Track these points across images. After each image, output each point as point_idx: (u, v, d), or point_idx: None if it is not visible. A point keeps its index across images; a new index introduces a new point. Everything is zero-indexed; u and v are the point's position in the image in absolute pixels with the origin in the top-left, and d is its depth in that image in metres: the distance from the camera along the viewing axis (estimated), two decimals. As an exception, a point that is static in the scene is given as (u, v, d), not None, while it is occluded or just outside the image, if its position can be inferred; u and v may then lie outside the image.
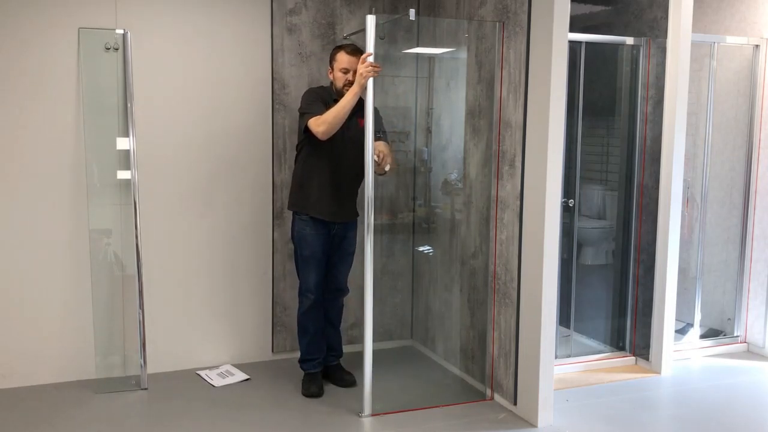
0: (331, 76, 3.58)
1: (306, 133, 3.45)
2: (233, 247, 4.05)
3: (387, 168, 3.43)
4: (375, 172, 3.37)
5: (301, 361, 3.73)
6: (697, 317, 4.53)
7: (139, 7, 3.73)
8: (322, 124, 3.34)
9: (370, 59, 3.24)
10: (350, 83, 3.44)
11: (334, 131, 3.37)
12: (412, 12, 3.38)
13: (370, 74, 3.23)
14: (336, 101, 3.44)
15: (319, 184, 3.54)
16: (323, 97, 3.51)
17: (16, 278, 3.67)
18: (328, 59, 3.64)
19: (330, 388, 3.74)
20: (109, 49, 3.68)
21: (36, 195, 3.66)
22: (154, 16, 3.77)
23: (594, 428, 3.33)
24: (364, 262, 3.36)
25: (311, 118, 3.39)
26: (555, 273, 3.27)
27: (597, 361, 4.18)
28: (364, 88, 3.27)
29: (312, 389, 3.62)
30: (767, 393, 3.85)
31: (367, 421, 3.37)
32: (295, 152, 3.71)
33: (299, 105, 3.58)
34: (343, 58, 3.50)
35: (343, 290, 3.80)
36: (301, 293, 3.66)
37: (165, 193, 3.89)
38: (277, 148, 4.08)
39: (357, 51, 3.47)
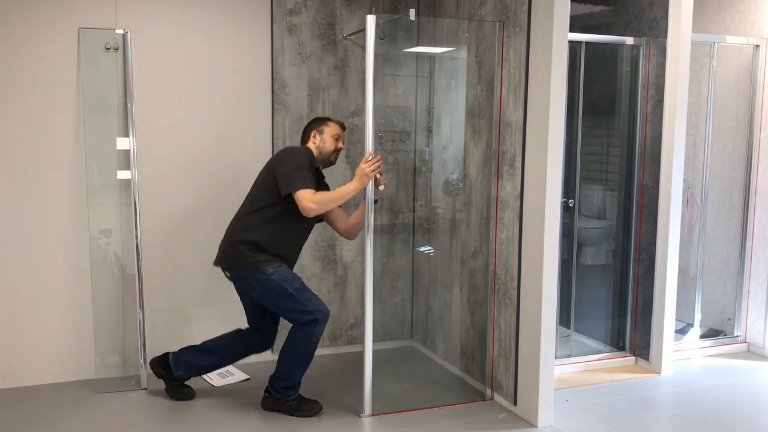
0: (316, 140, 3.42)
1: (287, 197, 3.25)
2: (233, 247, 4.05)
3: (381, 187, 3.40)
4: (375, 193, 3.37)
5: (293, 387, 3.42)
6: (697, 317, 4.53)
7: (139, 7, 3.73)
8: (318, 203, 3.21)
9: (371, 157, 3.25)
10: (338, 151, 3.47)
11: (321, 214, 3.31)
12: (412, 12, 3.39)
13: (374, 172, 3.25)
14: (317, 170, 3.41)
15: (296, 240, 3.44)
16: (313, 164, 3.36)
17: (17, 278, 3.67)
18: (310, 128, 3.47)
19: (330, 388, 3.74)
20: (109, 49, 3.68)
21: (36, 195, 3.66)
22: (154, 16, 3.77)
23: (594, 428, 3.33)
24: (365, 262, 3.36)
25: (305, 189, 3.21)
26: (555, 273, 3.27)
27: (597, 361, 4.18)
28: (364, 186, 3.27)
29: (316, 405, 3.43)
30: (767, 393, 3.85)
31: (367, 421, 3.37)
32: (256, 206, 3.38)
33: (287, 166, 3.27)
34: (336, 128, 3.47)
35: None
36: (319, 322, 3.29)
37: (165, 193, 3.89)
38: (277, 148, 4.07)
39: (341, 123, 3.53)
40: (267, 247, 3.31)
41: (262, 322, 3.54)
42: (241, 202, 4.07)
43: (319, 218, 3.52)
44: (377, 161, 3.26)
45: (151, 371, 3.67)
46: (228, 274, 3.42)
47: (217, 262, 3.46)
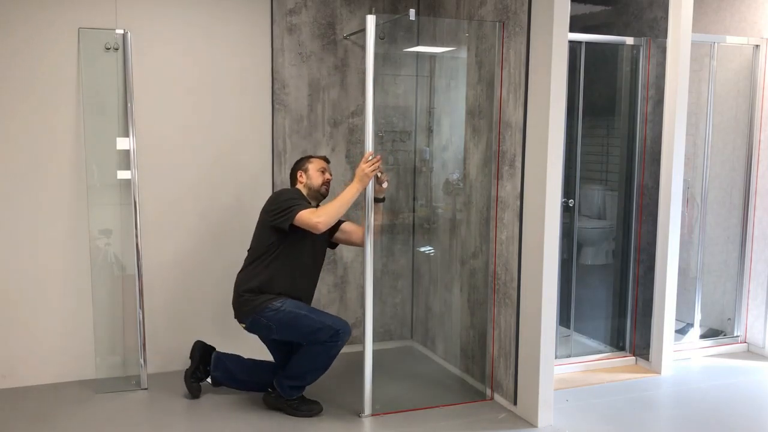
0: (303, 179, 3.46)
1: (289, 228, 3.27)
2: (233, 247, 4.04)
3: (385, 185, 3.42)
4: (376, 191, 3.37)
5: (299, 387, 3.45)
6: (697, 317, 4.53)
7: (139, 7, 3.73)
8: (323, 215, 3.23)
9: (371, 157, 3.27)
10: (328, 182, 3.47)
11: (333, 224, 3.31)
12: (412, 12, 3.39)
13: (374, 172, 3.26)
14: (310, 204, 3.42)
15: (300, 278, 3.43)
16: (304, 199, 3.42)
17: (17, 278, 3.67)
18: (295, 170, 3.52)
19: (330, 388, 3.74)
20: (109, 49, 3.68)
21: (36, 195, 3.66)
22: (154, 16, 3.77)
23: (594, 428, 3.33)
24: (365, 262, 3.36)
25: (301, 210, 3.25)
26: (555, 273, 3.26)
27: (597, 361, 4.18)
28: (365, 186, 3.28)
29: (317, 407, 3.44)
30: (767, 393, 3.85)
31: (367, 421, 3.37)
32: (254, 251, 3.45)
33: (276, 206, 3.33)
34: (319, 162, 3.50)
35: None
36: (340, 334, 3.30)
37: (165, 193, 3.89)
38: (277, 148, 4.08)
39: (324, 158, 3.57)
40: (269, 288, 3.36)
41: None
42: (240, 201, 4.08)
43: (332, 245, 3.60)
44: (377, 161, 3.27)
45: (150, 371, 3.68)
46: (244, 326, 3.44)
47: (235, 317, 3.50)
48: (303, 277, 3.46)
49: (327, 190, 3.50)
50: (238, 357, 3.66)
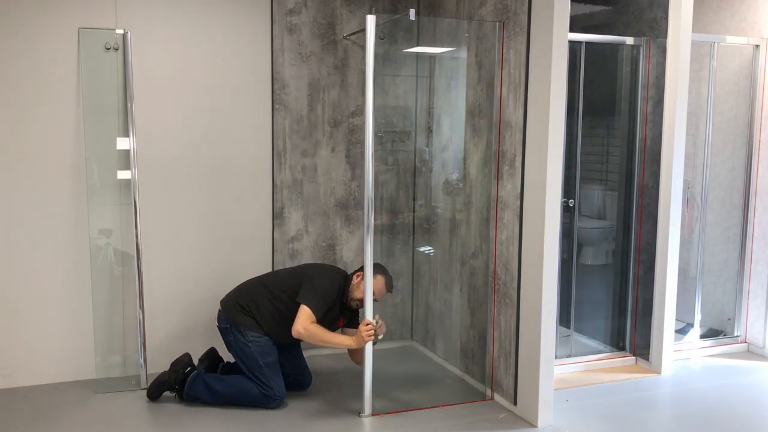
0: (356, 281, 3.49)
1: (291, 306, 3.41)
2: (233, 247, 4.05)
3: (380, 336, 3.45)
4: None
5: (204, 398, 3.50)
6: (697, 317, 4.53)
7: (139, 7, 3.73)
8: (306, 331, 3.31)
9: (372, 323, 3.34)
10: (363, 301, 3.41)
11: (306, 341, 3.41)
12: (412, 12, 3.39)
13: (371, 339, 3.33)
14: (342, 303, 3.52)
15: (286, 329, 3.46)
16: (336, 296, 3.49)
17: (17, 278, 3.67)
18: (360, 270, 3.50)
19: (330, 388, 3.74)
20: (109, 49, 3.68)
21: (36, 195, 3.66)
22: (154, 16, 3.77)
23: (594, 428, 3.33)
24: (364, 262, 3.36)
25: (310, 310, 3.34)
26: (555, 273, 3.27)
27: (597, 361, 4.19)
28: (359, 347, 3.37)
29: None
30: (767, 393, 3.85)
31: (367, 421, 3.37)
32: (274, 293, 3.53)
33: (308, 283, 3.43)
34: (380, 287, 3.47)
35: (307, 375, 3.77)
36: (272, 399, 3.45)
37: (165, 193, 3.89)
38: (277, 148, 4.08)
39: (391, 288, 3.59)
40: (259, 319, 3.49)
41: (284, 369, 3.60)
42: (240, 200, 4.07)
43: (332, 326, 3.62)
44: (372, 332, 3.33)
45: (151, 371, 3.69)
46: (218, 324, 3.60)
47: (221, 303, 3.64)
48: (288, 331, 3.50)
49: (357, 307, 3.53)
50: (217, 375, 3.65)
